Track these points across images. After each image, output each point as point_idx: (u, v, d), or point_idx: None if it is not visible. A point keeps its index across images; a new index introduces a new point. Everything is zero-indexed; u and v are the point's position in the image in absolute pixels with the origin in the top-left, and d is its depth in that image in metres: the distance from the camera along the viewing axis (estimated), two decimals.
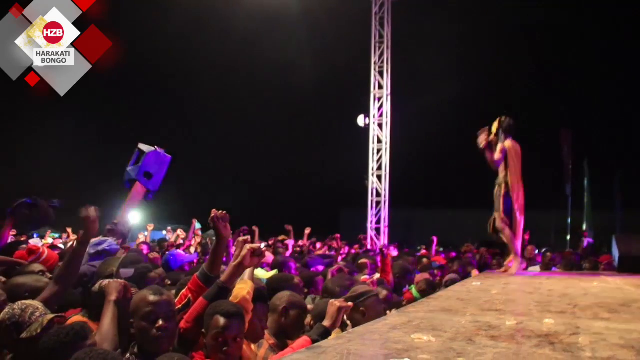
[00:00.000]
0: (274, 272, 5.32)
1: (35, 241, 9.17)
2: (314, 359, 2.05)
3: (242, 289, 3.44)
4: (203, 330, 2.99)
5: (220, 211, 3.47)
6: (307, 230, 11.48)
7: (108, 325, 2.92)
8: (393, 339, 2.42)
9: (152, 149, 7.59)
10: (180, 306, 3.17)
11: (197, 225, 11.03)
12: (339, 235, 12.45)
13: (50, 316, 2.88)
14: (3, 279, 4.27)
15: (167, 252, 7.33)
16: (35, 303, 3.03)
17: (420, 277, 6.67)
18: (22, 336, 2.75)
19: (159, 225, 16.36)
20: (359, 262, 6.93)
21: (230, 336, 2.92)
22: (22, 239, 8.23)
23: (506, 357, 2.10)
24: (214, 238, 3.65)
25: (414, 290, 6.18)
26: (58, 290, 3.37)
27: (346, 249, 12.21)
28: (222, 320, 2.91)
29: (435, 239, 12.53)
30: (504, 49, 23.67)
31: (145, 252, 7.72)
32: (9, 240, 7.39)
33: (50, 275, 3.99)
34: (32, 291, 3.47)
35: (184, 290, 3.37)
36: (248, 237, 3.74)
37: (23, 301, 3.02)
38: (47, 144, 23.36)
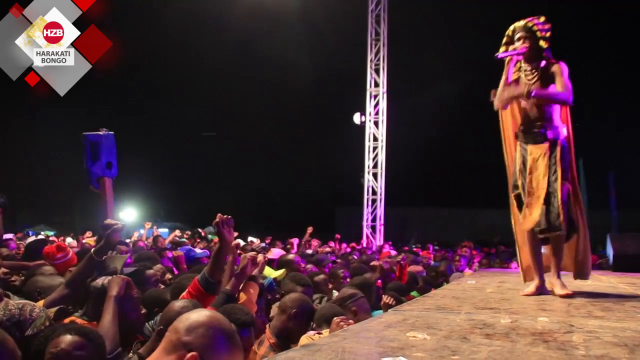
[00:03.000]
0: (282, 270, 5.31)
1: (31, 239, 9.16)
2: (309, 356, 2.06)
3: (248, 292, 3.47)
4: None
5: (225, 215, 3.46)
6: (309, 229, 11.39)
7: (108, 322, 2.90)
8: (388, 337, 2.43)
9: (100, 133, 7.44)
10: None
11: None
12: (339, 236, 12.53)
13: (53, 310, 2.88)
14: (22, 277, 4.36)
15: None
16: (29, 302, 3.02)
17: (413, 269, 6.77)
18: (28, 333, 2.74)
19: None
20: (371, 264, 7.02)
21: (243, 345, 2.91)
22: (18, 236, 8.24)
23: (500, 355, 2.11)
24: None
25: (414, 292, 6.25)
26: (67, 294, 3.38)
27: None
28: (237, 330, 2.90)
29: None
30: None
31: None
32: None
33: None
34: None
35: (184, 293, 3.38)
36: (239, 242, 3.79)
37: (17, 301, 3.02)
38: (47, 143, 23.33)
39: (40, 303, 3.17)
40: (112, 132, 7.39)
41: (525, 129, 4.33)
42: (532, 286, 4.34)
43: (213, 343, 1.67)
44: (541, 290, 4.29)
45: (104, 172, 7.18)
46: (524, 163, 4.28)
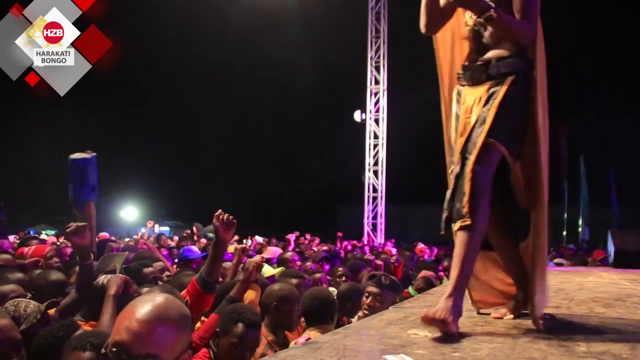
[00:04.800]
0: (280, 268, 5.35)
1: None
2: (310, 354, 2.06)
3: (251, 293, 3.49)
4: (217, 329, 3.03)
5: (227, 215, 3.42)
6: (317, 241, 11.62)
7: (108, 320, 2.92)
8: (389, 334, 2.43)
9: (86, 156, 7.16)
10: None
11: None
12: (340, 234, 12.59)
13: (45, 303, 2.91)
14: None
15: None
16: (25, 299, 3.04)
17: (421, 274, 6.75)
18: (22, 328, 2.76)
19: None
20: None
21: (249, 346, 2.95)
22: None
23: (502, 352, 2.11)
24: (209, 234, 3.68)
25: (410, 289, 6.24)
26: (77, 299, 3.40)
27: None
28: (245, 330, 2.93)
29: None
30: None
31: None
32: None
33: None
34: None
35: (183, 292, 3.40)
36: (246, 245, 3.79)
37: (13, 299, 3.04)
38: (47, 143, 23.37)
39: (53, 309, 3.19)
40: (95, 154, 7.16)
41: (467, 63, 2.82)
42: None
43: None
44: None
45: (89, 196, 7.00)
46: (456, 119, 2.75)
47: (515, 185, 2.74)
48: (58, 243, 8.51)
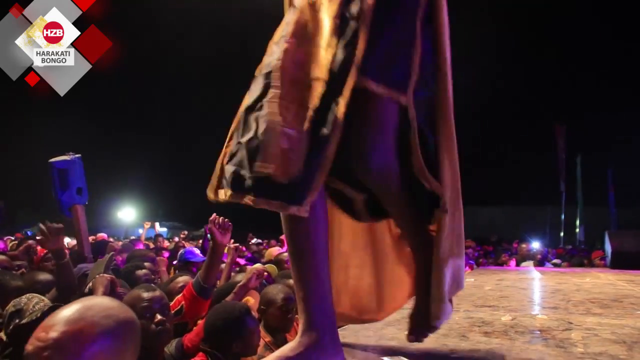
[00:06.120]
0: (270, 265, 5.38)
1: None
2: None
3: (248, 300, 3.51)
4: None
5: (221, 218, 3.43)
6: None
7: None
8: (387, 335, 2.44)
9: (66, 158, 6.96)
10: (173, 312, 3.18)
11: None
12: None
13: (48, 306, 2.92)
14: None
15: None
16: (39, 296, 3.06)
17: None
18: (23, 321, 2.77)
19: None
20: None
21: (248, 352, 3.04)
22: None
23: (499, 353, 2.12)
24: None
25: None
26: (57, 297, 3.45)
27: None
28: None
29: None
30: (498, 44, 23.76)
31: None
32: None
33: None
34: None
35: (179, 296, 3.41)
36: (238, 245, 3.81)
37: (31, 293, 3.06)
38: (47, 144, 23.36)
39: None
40: (79, 155, 6.97)
41: None
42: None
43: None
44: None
45: (74, 200, 6.86)
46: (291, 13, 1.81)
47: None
48: None
